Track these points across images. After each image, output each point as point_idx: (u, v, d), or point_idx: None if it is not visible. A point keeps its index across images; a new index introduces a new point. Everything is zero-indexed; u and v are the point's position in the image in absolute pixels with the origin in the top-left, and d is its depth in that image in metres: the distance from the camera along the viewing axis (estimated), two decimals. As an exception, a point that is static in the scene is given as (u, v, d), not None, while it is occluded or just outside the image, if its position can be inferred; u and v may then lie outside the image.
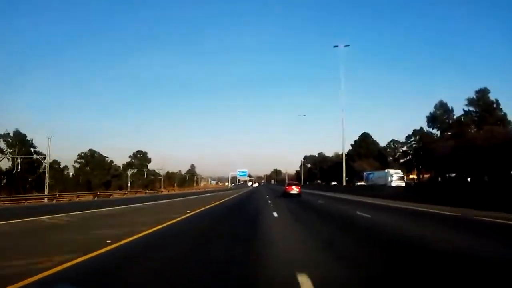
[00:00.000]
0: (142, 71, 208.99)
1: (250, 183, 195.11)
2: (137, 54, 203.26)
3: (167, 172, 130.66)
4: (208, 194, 41.84)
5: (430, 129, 69.55)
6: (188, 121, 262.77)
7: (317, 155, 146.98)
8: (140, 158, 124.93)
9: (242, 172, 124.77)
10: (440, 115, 65.85)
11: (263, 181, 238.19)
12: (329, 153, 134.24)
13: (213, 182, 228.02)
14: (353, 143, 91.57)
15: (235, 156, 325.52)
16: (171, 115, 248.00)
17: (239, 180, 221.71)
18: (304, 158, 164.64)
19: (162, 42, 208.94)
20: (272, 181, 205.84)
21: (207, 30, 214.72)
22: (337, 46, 45.65)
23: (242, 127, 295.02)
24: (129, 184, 71.53)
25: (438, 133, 67.91)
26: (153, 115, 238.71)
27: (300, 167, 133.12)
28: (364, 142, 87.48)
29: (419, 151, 77.28)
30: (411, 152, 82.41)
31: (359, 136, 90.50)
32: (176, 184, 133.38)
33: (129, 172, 76.19)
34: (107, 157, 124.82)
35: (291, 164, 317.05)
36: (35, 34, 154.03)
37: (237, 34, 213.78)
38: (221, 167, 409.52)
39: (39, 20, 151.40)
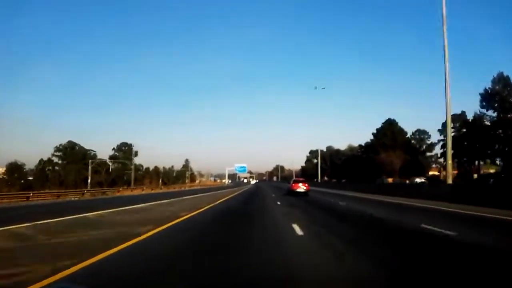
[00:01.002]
0: (141, 67, 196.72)
1: (245, 180, 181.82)
2: (137, 52, 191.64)
3: (155, 167, 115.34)
4: (185, 198, 25.68)
5: (484, 110, 53.62)
6: (187, 118, 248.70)
7: (325, 149, 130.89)
8: (125, 151, 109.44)
9: (241, 167, 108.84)
10: (499, 91, 49.94)
11: (264, 177, 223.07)
12: (340, 147, 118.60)
13: (212, 179, 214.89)
14: (375, 132, 75.61)
15: (236, 152, 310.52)
16: (168, 111, 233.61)
17: (238, 176, 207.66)
18: (310, 153, 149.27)
19: (161, 40, 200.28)
20: (275, 178, 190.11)
21: (206, 27, 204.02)
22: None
23: (242, 122, 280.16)
24: (89, 181, 56.07)
25: (495, 114, 52.01)
26: (150, 111, 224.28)
27: (317, 157, 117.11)
28: (389, 131, 71.54)
29: (463, 139, 61.26)
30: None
31: (382, 123, 74.56)
32: (163, 180, 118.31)
33: (90, 166, 60.42)
34: (93, 151, 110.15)
35: (295, 160, 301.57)
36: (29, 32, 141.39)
37: (237, 31, 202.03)
38: (222, 164, 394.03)
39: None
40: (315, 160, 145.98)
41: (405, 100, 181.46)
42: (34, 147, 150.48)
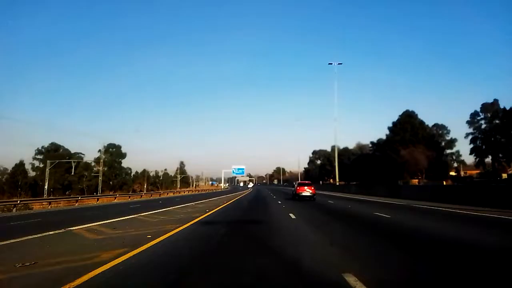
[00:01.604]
0: (142, 68, 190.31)
1: (242, 184, 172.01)
2: (137, 51, 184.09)
3: (143, 171, 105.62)
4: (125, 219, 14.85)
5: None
6: (184, 120, 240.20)
7: (329, 149, 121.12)
8: (112, 153, 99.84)
9: (239, 169, 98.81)
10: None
11: (264, 180, 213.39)
12: (347, 146, 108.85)
13: (211, 183, 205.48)
14: (391, 126, 65.94)
15: (235, 155, 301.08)
16: (164, 112, 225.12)
17: (237, 180, 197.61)
18: (312, 153, 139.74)
19: (161, 42, 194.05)
20: (276, 181, 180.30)
21: (206, 28, 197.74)
22: None
23: (241, 124, 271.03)
24: (46, 186, 45.92)
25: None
26: (146, 112, 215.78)
27: (321, 158, 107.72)
28: (409, 124, 61.91)
29: (495, 132, 51.92)
30: (480, 136, 56.79)
31: (400, 116, 64.85)
32: (155, 185, 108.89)
33: (48, 168, 50.48)
34: (82, 154, 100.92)
35: (295, 162, 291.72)
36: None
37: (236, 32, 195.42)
38: (221, 167, 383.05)
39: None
40: (319, 161, 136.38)
41: (415, 94, 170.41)
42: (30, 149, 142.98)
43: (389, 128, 65.15)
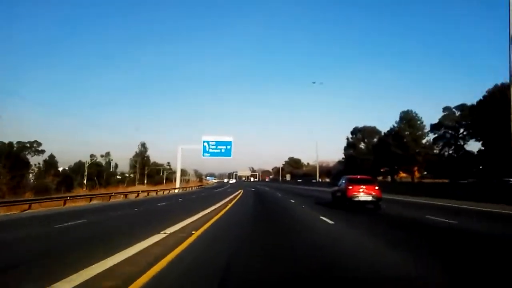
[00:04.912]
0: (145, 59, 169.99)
1: (228, 180, 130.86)
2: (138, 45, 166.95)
3: (50, 156, 53.79)
4: None
5: None
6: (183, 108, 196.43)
7: (396, 124, 66.42)
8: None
9: (219, 143, 44.02)
10: None
11: (271, 176, 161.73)
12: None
13: (210, 179, 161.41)
14: None
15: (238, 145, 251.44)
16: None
17: (237, 175, 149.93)
18: (352, 133, 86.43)
19: (164, 35, 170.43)
20: (288, 177, 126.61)
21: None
22: None
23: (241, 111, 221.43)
24: None
25: None
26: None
27: (365, 137, 56.18)
28: None
29: None
30: None
31: None
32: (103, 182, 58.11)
33: None
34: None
35: (312, 155, 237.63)
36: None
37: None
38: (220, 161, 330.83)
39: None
40: (362, 145, 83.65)
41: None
42: None
43: None
